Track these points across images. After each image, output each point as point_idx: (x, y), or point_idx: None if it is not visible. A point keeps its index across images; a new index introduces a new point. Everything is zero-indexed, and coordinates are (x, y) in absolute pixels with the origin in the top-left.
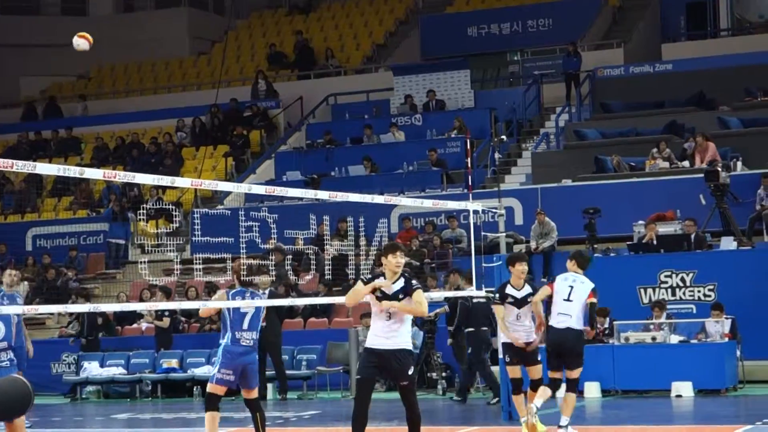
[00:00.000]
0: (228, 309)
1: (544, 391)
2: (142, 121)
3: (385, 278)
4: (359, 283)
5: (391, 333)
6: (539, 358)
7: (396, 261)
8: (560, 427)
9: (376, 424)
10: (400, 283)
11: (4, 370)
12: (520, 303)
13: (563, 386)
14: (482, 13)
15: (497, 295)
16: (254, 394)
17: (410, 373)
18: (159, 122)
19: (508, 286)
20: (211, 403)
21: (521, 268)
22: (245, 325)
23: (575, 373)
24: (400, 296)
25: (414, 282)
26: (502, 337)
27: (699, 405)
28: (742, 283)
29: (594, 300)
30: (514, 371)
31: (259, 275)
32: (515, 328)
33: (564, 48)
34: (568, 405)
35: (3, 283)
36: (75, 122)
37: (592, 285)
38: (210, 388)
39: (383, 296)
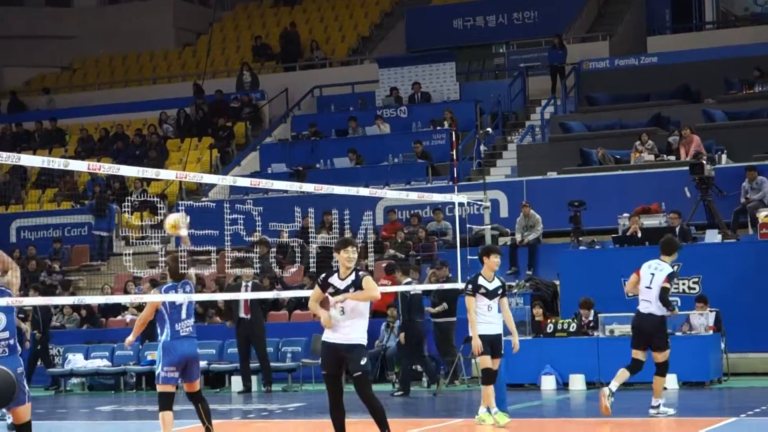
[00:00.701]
0: (164, 304)
1: (622, 373)
2: (127, 113)
3: (338, 274)
4: (315, 289)
5: (345, 327)
6: (503, 352)
7: (348, 256)
8: (652, 407)
9: (359, 417)
10: (352, 277)
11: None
12: (491, 294)
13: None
14: (468, 6)
15: (470, 287)
16: (195, 387)
17: (362, 364)
18: (144, 114)
19: (480, 277)
20: (163, 402)
21: (495, 260)
22: (183, 315)
23: (660, 357)
24: (351, 290)
25: (362, 272)
26: (479, 330)
27: (683, 397)
28: (726, 275)
29: (666, 285)
30: (485, 362)
31: (243, 267)
32: (487, 319)
33: (549, 41)
34: (657, 387)
35: None
36: (60, 114)
37: (669, 271)
38: (159, 387)
39: (335, 292)
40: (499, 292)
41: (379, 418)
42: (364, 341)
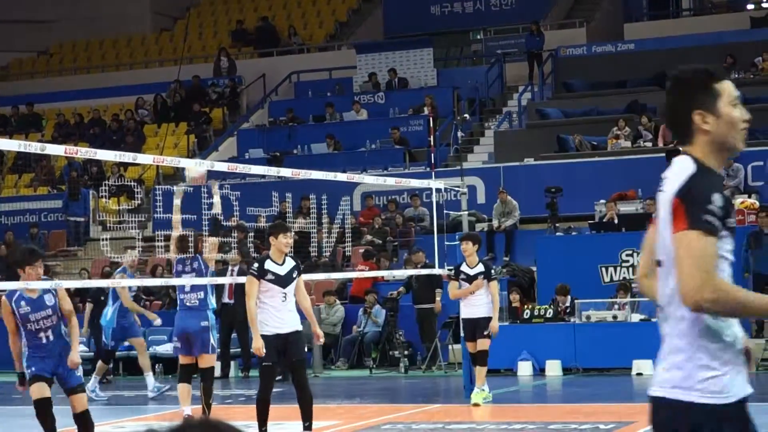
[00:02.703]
0: (175, 273)
1: None
2: (104, 98)
3: (271, 260)
4: (250, 279)
5: (289, 313)
6: (486, 333)
7: (286, 241)
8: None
9: (338, 402)
10: (290, 262)
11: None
12: (470, 280)
13: None
14: None
15: (453, 271)
16: (202, 361)
17: (305, 350)
18: (121, 99)
19: (464, 264)
20: (180, 374)
21: (465, 247)
22: (187, 288)
23: None
24: (294, 275)
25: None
26: (462, 314)
27: None
28: None
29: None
30: (469, 346)
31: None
32: (471, 302)
33: (527, 27)
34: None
35: None
36: (36, 98)
37: None
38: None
39: (276, 279)
40: (481, 277)
41: (309, 407)
42: (301, 327)
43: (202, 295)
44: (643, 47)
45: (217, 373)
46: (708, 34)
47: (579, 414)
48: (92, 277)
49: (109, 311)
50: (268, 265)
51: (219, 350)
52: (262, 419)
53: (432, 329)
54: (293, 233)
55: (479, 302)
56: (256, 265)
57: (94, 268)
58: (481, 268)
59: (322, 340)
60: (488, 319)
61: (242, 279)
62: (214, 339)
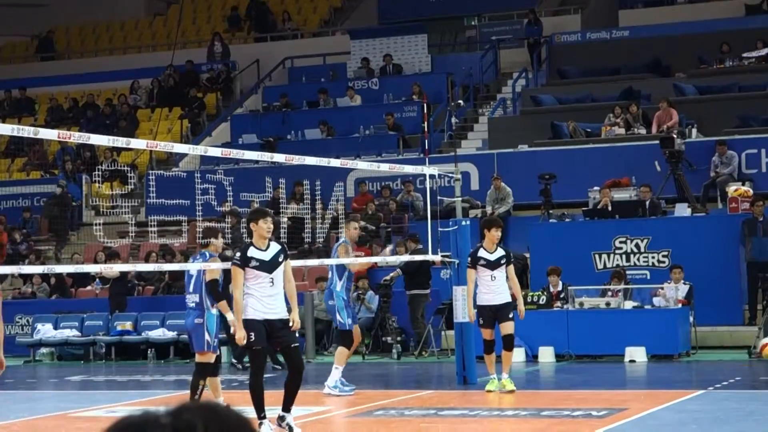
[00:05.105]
0: (186, 273)
1: None
2: (97, 83)
3: (255, 247)
4: (234, 269)
5: (278, 300)
6: (511, 316)
7: (267, 226)
8: None
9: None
10: (275, 246)
11: None
12: (493, 265)
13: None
14: None
15: (469, 259)
16: (199, 357)
17: (297, 335)
18: (114, 84)
19: (481, 249)
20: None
21: (497, 234)
22: (190, 288)
23: None
24: (280, 259)
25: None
26: (482, 300)
27: (652, 370)
28: (695, 249)
29: None
30: (485, 333)
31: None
32: (491, 288)
33: (522, 13)
34: None
35: None
36: (29, 83)
37: None
38: None
39: (261, 265)
40: (503, 261)
41: (295, 392)
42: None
43: (197, 298)
44: (637, 34)
45: None
46: (703, 22)
47: (571, 400)
48: (85, 263)
49: None
50: (252, 252)
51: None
52: (260, 405)
53: (422, 315)
54: (287, 219)
55: (502, 289)
56: (238, 254)
57: (86, 253)
58: (501, 252)
59: (297, 325)
60: (509, 304)
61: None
62: (210, 337)
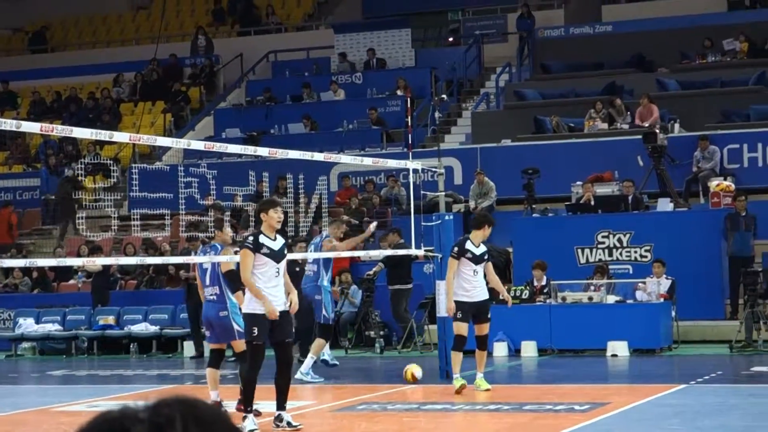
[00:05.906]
0: (198, 266)
1: None
2: (80, 76)
3: (264, 235)
4: (245, 252)
5: (279, 291)
6: (489, 316)
7: (278, 216)
8: None
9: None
10: (281, 239)
11: None
12: (477, 259)
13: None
14: None
15: (456, 249)
16: (233, 347)
17: (293, 330)
18: (97, 77)
19: (468, 242)
20: (210, 360)
21: (488, 231)
22: (207, 281)
23: None
24: (285, 251)
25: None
26: (461, 297)
27: (634, 364)
28: (678, 244)
29: None
30: (461, 328)
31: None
32: (473, 284)
33: (505, 8)
34: None
35: None
36: (11, 76)
37: None
38: None
39: (271, 253)
40: (485, 257)
41: (287, 389)
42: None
43: (218, 290)
44: (621, 29)
45: (192, 353)
46: (685, 17)
47: (554, 395)
48: (68, 256)
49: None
50: (263, 239)
51: (190, 330)
52: (249, 399)
53: (405, 309)
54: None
55: (481, 284)
56: (251, 238)
57: (69, 246)
58: (484, 248)
59: (295, 307)
60: (488, 302)
61: (210, 258)
62: (239, 325)
